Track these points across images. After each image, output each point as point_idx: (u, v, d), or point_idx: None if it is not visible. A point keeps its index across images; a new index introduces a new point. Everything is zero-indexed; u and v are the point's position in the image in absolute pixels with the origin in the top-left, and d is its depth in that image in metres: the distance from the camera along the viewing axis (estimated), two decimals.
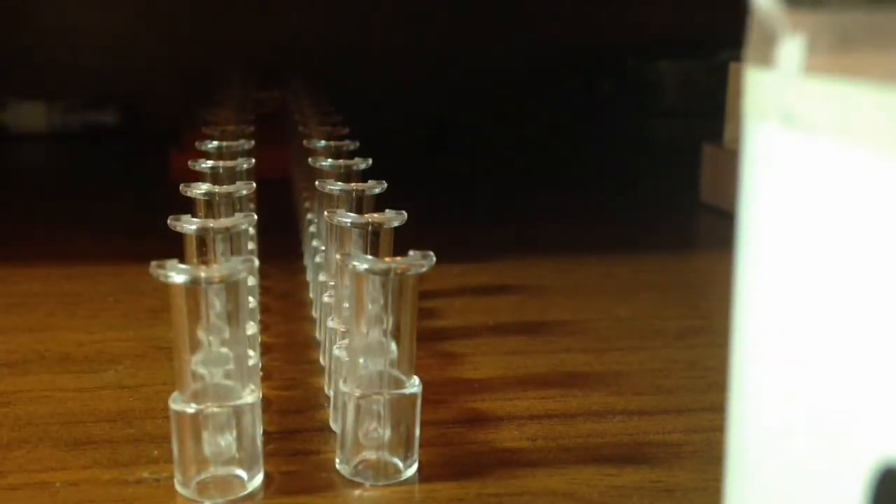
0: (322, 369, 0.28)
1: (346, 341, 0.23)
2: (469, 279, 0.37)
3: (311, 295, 0.34)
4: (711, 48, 0.75)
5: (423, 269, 0.20)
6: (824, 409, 0.11)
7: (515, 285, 0.37)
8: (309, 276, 0.35)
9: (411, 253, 0.21)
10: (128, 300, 0.34)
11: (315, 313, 0.32)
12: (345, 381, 0.21)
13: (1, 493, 0.21)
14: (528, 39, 0.81)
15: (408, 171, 0.56)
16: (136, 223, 0.46)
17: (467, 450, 0.23)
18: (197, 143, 0.32)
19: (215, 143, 0.31)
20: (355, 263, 0.20)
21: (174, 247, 0.23)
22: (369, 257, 0.21)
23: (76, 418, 0.24)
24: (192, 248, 0.23)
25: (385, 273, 0.20)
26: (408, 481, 0.21)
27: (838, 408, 0.10)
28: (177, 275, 0.19)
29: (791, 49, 0.11)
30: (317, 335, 0.30)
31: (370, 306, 0.21)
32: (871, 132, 0.10)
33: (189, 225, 0.23)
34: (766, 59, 0.11)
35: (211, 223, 0.23)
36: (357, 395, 0.21)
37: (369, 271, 0.20)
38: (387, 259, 0.21)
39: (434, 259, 0.20)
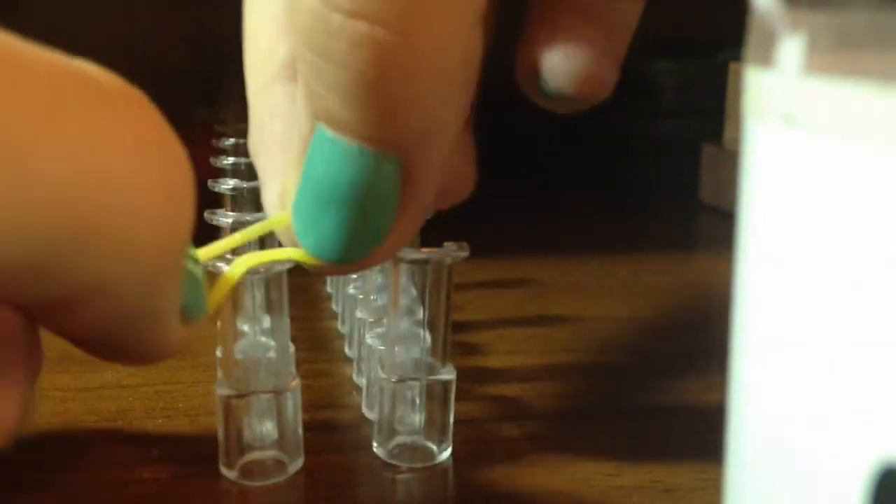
0: (347, 360, 0.28)
1: (380, 330, 0.24)
2: (469, 278, 0.37)
3: (328, 289, 0.34)
4: (711, 48, 0.75)
5: (459, 259, 0.21)
6: (824, 410, 0.11)
7: (515, 284, 0.37)
8: None
9: (446, 244, 0.21)
10: None
11: (335, 306, 0.32)
12: (382, 368, 0.22)
13: (0, 493, 0.21)
14: None
15: None
16: None
17: (466, 449, 0.23)
18: (214, 141, 0.32)
19: (233, 140, 0.31)
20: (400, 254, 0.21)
21: None
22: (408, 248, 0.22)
23: (76, 418, 0.24)
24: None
25: (423, 263, 0.21)
26: (441, 464, 0.22)
27: (838, 408, 0.10)
28: (228, 265, 0.19)
29: (791, 49, 0.11)
30: (339, 327, 0.31)
31: (406, 295, 0.22)
32: (872, 132, 0.10)
33: (225, 218, 0.24)
34: (766, 59, 0.11)
35: (247, 217, 0.24)
36: (393, 380, 0.22)
37: (407, 261, 0.21)
38: (423, 250, 0.21)
39: (468, 250, 0.21)
